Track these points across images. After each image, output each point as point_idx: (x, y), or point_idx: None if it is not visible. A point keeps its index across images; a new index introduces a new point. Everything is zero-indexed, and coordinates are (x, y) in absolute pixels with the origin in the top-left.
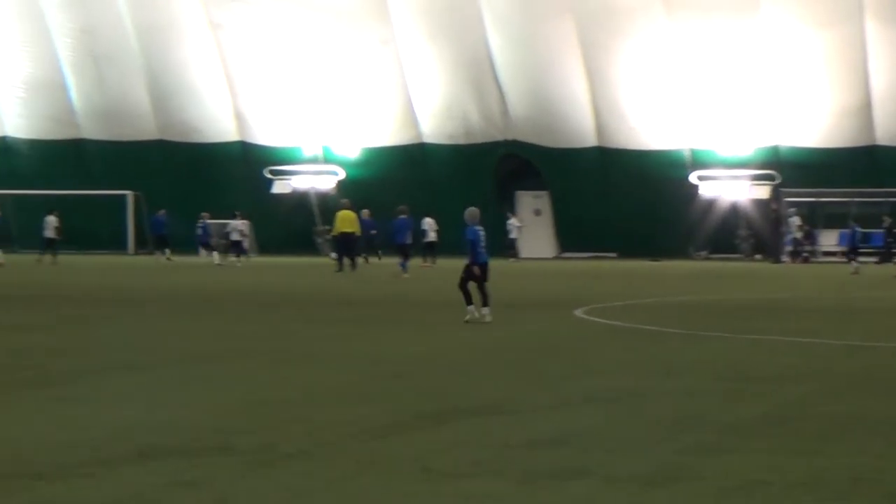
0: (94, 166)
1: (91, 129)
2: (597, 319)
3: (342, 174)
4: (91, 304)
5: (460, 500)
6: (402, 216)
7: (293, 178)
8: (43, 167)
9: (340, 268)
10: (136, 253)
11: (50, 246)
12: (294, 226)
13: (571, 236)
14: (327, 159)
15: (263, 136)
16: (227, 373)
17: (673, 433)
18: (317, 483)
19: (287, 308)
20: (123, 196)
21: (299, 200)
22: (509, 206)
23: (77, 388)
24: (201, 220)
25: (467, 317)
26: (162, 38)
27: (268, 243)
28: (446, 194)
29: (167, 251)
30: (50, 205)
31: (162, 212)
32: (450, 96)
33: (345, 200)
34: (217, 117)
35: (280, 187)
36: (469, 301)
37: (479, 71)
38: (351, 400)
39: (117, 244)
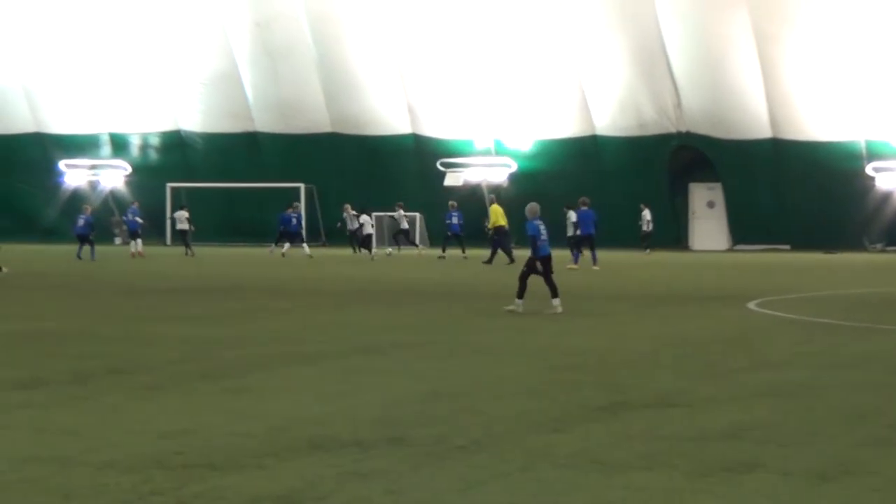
0: (267, 159)
1: (265, 123)
2: (770, 312)
3: (514, 167)
4: (256, 295)
5: (632, 492)
6: (585, 207)
7: (465, 170)
8: (217, 160)
9: (490, 260)
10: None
11: (183, 239)
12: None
13: (744, 228)
14: (499, 152)
15: (435, 128)
16: (398, 365)
17: (846, 427)
18: (488, 475)
19: (458, 300)
20: (296, 188)
21: (471, 193)
22: (682, 199)
23: (248, 380)
24: (345, 213)
25: (511, 307)
26: (335, 31)
27: (440, 236)
28: (619, 187)
29: (286, 245)
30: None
31: (294, 206)
32: (623, 88)
33: (492, 195)
34: (389, 110)
35: (452, 180)
36: (521, 294)
37: (652, 63)
38: (523, 392)
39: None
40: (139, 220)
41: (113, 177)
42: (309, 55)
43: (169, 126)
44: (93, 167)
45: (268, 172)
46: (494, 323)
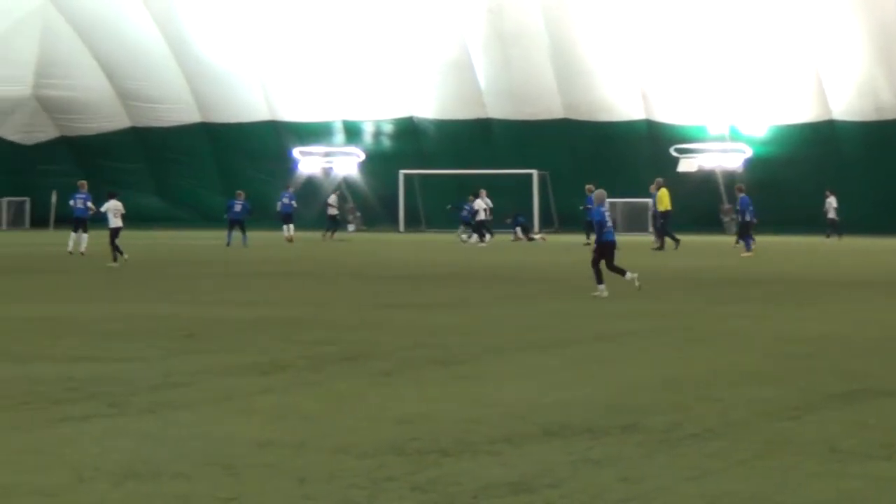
0: (499, 146)
1: (497, 109)
2: None
3: (749, 153)
4: (483, 282)
5: (868, 482)
6: (742, 194)
7: (699, 156)
8: (450, 147)
9: (661, 245)
10: (541, 231)
11: (333, 224)
12: (699, 205)
13: None
14: (734, 138)
15: (668, 114)
16: (631, 351)
17: None
18: (723, 463)
19: (695, 287)
20: (528, 175)
21: (705, 179)
22: None
23: (480, 366)
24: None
25: (595, 293)
26: (567, 16)
27: (675, 222)
28: (855, 173)
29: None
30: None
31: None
32: (860, 72)
33: (660, 179)
34: (622, 96)
35: (686, 165)
36: (600, 279)
37: (890, 45)
38: (759, 380)
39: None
40: (294, 204)
41: (346, 164)
42: (541, 41)
43: (402, 113)
44: (326, 154)
45: (500, 159)
46: (729, 310)
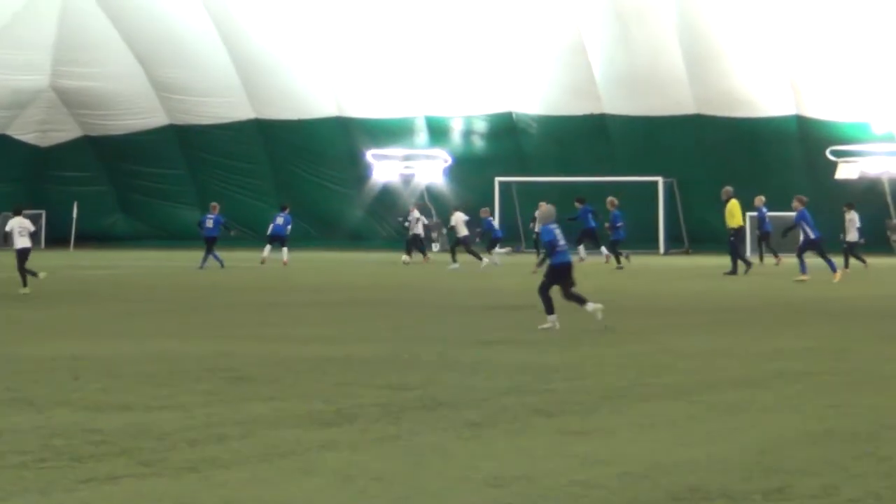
0: (617, 147)
1: (614, 102)
2: None
3: None
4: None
5: None
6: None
7: (861, 160)
8: (555, 148)
9: (734, 270)
10: (668, 252)
11: (417, 242)
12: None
13: None
14: None
15: (823, 109)
16: (777, 399)
17: None
18: None
19: (850, 318)
20: (652, 183)
21: (869, 188)
22: None
23: (594, 417)
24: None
25: (545, 325)
26: None
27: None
28: None
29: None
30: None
31: (213, 206)
32: None
33: (728, 188)
34: (767, 87)
35: (845, 172)
36: (550, 310)
37: None
38: None
39: (646, 241)
40: (289, 227)
41: (429, 169)
42: (668, 20)
43: (498, 108)
44: (406, 157)
45: (616, 163)
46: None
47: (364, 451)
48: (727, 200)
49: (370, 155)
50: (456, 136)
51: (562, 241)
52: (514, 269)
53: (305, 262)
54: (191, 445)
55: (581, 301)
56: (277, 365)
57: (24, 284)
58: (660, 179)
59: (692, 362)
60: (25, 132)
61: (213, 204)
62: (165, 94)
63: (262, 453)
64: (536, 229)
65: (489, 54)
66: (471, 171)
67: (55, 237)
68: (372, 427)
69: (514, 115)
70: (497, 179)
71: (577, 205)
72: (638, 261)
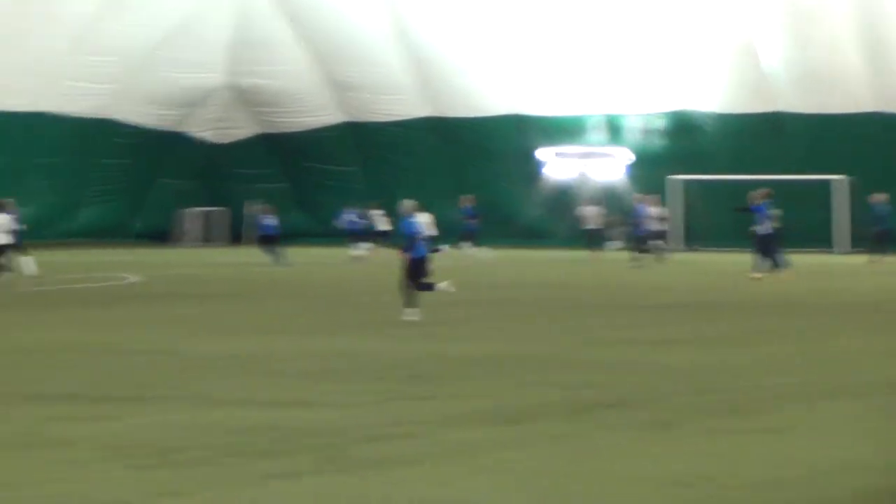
0: (793, 145)
1: (791, 100)
2: None
3: None
4: (763, 312)
5: None
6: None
7: None
8: (732, 146)
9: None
10: (851, 251)
11: (593, 240)
12: None
13: None
14: None
15: None
16: None
17: None
18: None
19: None
20: (830, 181)
21: None
22: None
23: (777, 416)
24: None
25: (408, 317)
26: None
27: None
28: None
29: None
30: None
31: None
32: None
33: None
34: None
35: None
36: (411, 302)
37: None
38: None
39: (824, 241)
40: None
41: (606, 167)
42: (845, 17)
43: (674, 106)
44: (582, 155)
45: (792, 162)
46: None
47: (543, 451)
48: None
49: (545, 153)
50: (632, 135)
51: (423, 235)
52: (691, 266)
53: (479, 259)
54: (370, 443)
55: (430, 287)
56: (451, 363)
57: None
58: (839, 178)
59: (873, 361)
60: (203, 130)
61: (265, 206)
62: (341, 91)
63: (442, 451)
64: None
65: (666, 52)
66: (645, 169)
67: (235, 234)
68: (552, 426)
69: (689, 113)
70: (671, 178)
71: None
72: (812, 260)
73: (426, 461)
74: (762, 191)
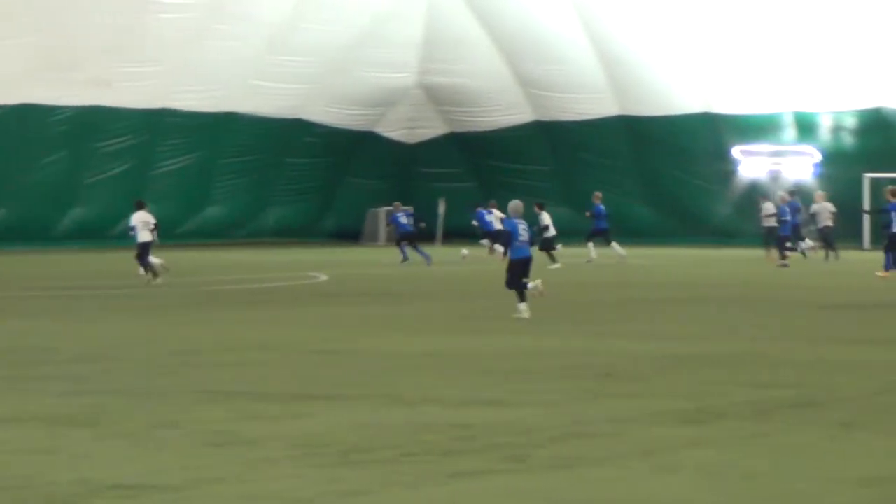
0: None
1: None
2: None
3: None
4: None
5: None
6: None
7: None
8: None
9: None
10: None
11: (770, 238)
12: None
13: None
14: None
15: None
16: None
17: None
18: None
19: None
20: None
21: None
22: None
23: None
24: None
25: (519, 314)
26: None
27: None
28: None
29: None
30: None
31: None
32: None
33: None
34: None
35: None
36: (523, 297)
37: None
38: None
39: None
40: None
41: (798, 165)
42: None
43: (867, 103)
44: (774, 153)
45: None
46: None
47: (732, 450)
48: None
49: (737, 151)
50: (824, 133)
51: (523, 237)
52: (860, 266)
53: (669, 258)
54: (558, 442)
55: (522, 297)
56: (642, 362)
57: (153, 275)
58: None
59: None
60: (393, 129)
61: (396, 203)
62: (531, 90)
63: (629, 450)
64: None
65: (858, 49)
66: (838, 167)
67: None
68: (740, 425)
69: (882, 111)
70: (866, 176)
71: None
72: None
73: (613, 460)
74: (890, 188)
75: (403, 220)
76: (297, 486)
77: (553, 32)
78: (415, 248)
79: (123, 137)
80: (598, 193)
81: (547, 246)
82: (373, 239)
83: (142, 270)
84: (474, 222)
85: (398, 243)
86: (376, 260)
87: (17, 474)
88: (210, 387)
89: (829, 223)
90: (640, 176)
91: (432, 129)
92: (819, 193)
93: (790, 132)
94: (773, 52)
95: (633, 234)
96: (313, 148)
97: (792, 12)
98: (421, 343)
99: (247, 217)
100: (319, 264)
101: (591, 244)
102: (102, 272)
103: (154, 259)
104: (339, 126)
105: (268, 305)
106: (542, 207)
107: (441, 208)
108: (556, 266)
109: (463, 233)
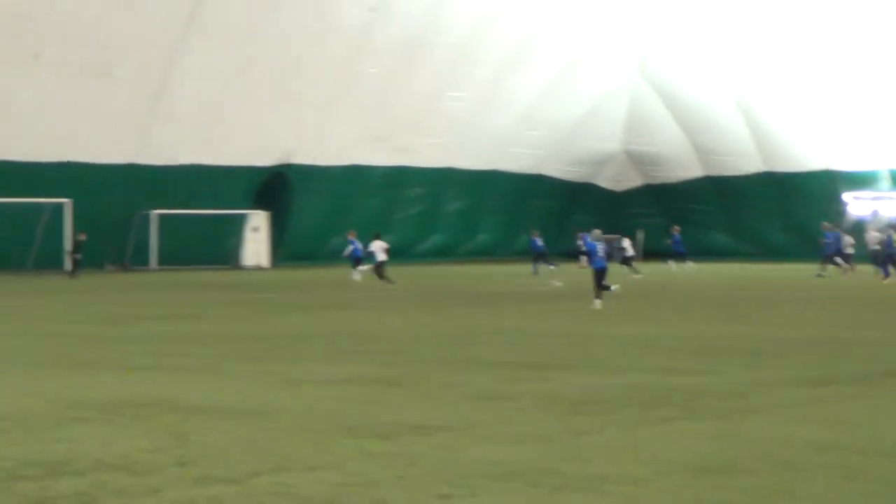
0: None
1: None
2: None
3: None
4: None
5: None
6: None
7: None
8: None
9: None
10: None
11: (876, 258)
12: None
13: None
14: None
15: None
16: None
17: None
18: None
19: None
20: None
21: None
22: None
23: None
24: None
25: (595, 306)
26: None
27: None
28: None
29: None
30: None
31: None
32: None
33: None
34: None
35: None
36: (598, 294)
37: None
38: None
39: None
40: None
41: (891, 207)
42: None
43: None
44: (874, 199)
45: None
46: None
47: (844, 405)
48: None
49: (848, 196)
50: None
51: (600, 253)
52: None
53: (794, 271)
54: (720, 400)
55: (598, 294)
56: (782, 343)
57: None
58: None
59: None
60: (605, 181)
61: (534, 230)
62: (702, 154)
63: (771, 405)
64: None
65: None
66: None
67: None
68: (850, 388)
69: None
70: None
71: None
72: None
73: (759, 412)
74: None
75: (539, 242)
76: (540, 427)
77: (714, 108)
78: (546, 262)
79: (420, 187)
80: (677, 227)
81: (627, 262)
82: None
83: (380, 281)
84: (579, 243)
85: (535, 260)
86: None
87: (353, 415)
88: (481, 358)
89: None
90: (781, 214)
91: (633, 181)
92: (828, 224)
93: (885, 183)
94: (876, 115)
95: (773, 253)
96: (549, 195)
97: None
98: (628, 328)
99: (504, 242)
100: (555, 275)
101: (671, 262)
102: (408, 280)
103: (363, 268)
104: (566, 179)
105: (522, 303)
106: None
107: (640, 236)
108: (639, 276)
109: (656, 253)
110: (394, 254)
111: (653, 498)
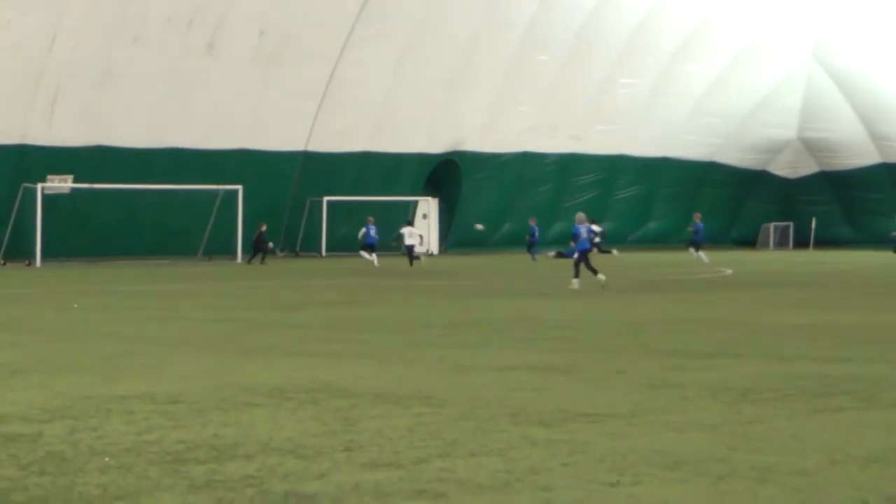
0: None
1: None
2: None
3: None
4: None
5: None
6: None
7: None
8: None
9: None
10: None
11: None
12: None
13: None
14: None
15: None
16: None
17: None
18: None
19: None
20: None
21: None
22: None
23: None
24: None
25: (572, 286)
26: None
27: None
28: None
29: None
30: None
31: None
32: None
33: None
34: None
35: None
36: (576, 274)
37: None
38: None
39: None
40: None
41: None
42: None
43: None
44: None
45: None
46: None
47: None
48: None
49: None
50: None
51: (584, 236)
52: None
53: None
54: (895, 389)
55: (576, 274)
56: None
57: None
58: None
59: None
60: (779, 169)
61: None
62: (879, 141)
63: None
64: None
65: None
66: None
67: (799, 242)
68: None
69: None
70: None
71: None
72: None
73: None
74: None
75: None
76: (707, 416)
77: (894, 96)
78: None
79: (591, 175)
80: (698, 214)
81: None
82: (765, 245)
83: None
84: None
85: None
86: (767, 259)
87: (513, 404)
88: (650, 346)
89: None
90: None
91: (808, 168)
92: None
93: None
94: None
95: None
96: (723, 183)
97: None
98: (793, 316)
99: (676, 229)
100: (727, 262)
101: (692, 250)
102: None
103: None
104: (741, 167)
105: (694, 290)
106: (594, 221)
107: (813, 224)
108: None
109: (827, 241)
110: (560, 242)
111: (821, 488)
